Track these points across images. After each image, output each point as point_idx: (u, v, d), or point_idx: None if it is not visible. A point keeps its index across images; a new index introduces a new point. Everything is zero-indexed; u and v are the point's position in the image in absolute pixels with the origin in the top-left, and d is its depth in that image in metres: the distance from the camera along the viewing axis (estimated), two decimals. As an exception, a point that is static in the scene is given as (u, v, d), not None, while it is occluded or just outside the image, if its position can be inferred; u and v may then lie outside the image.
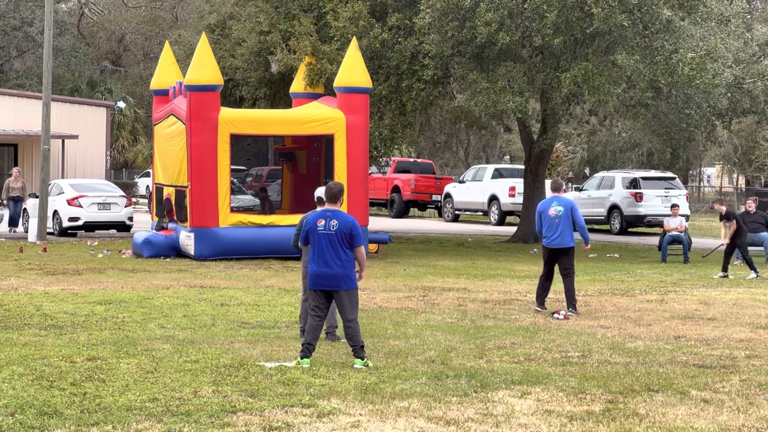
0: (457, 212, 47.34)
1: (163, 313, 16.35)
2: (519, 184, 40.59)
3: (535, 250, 30.23)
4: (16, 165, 43.13)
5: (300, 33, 30.44)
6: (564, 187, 19.51)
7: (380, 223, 41.25)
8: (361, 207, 26.85)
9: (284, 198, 31.96)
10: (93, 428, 8.84)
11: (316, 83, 30.06)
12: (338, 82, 27.57)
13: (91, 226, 34.55)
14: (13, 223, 35.48)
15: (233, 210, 27.11)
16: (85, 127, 45.91)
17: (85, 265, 24.74)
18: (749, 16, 38.24)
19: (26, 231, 33.91)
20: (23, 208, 35.23)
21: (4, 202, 35.73)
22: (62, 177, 42.18)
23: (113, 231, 35.18)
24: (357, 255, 12.05)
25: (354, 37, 28.36)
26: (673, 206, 30.71)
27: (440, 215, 49.15)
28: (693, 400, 10.47)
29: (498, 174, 45.90)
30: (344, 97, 27.48)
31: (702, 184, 79.98)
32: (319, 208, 13.68)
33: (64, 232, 34.41)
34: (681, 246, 29.28)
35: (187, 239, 26.79)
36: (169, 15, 77.99)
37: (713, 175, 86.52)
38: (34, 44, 68.33)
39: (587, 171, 63.05)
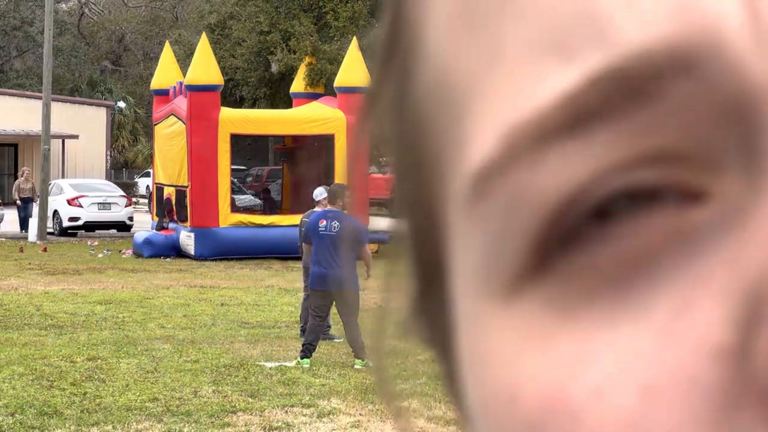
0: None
1: (163, 313, 16.35)
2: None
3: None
4: (16, 165, 43.14)
5: (300, 33, 30.49)
6: None
7: (380, 223, 41.27)
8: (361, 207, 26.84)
9: (284, 198, 31.97)
10: (93, 428, 8.84)
11: (316, 83, 30.06)
12: (338, 82, 27.58)
13: (91, 226, 34.54)
14: (25, 224, 35.35)
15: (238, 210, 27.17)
16: (85, 127, 45.93)
17: (85, 265, 24.75)
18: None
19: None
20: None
21: (18, 202, 35.67)
22: (62, 177, 42.19)
23: (113, 231, 35.17)
24: (362, 254, 12.03)
25: (354, 37, 28.36)
26: None
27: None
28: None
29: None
30: (344, 97, 27.49)
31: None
32: (317, 209, 13.65)
33: (64, 232, 34.39)
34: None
35: (187, 239, 26.81)
36: (169, 15, 78.00)
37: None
38: (34, 44, 68.34)
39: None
